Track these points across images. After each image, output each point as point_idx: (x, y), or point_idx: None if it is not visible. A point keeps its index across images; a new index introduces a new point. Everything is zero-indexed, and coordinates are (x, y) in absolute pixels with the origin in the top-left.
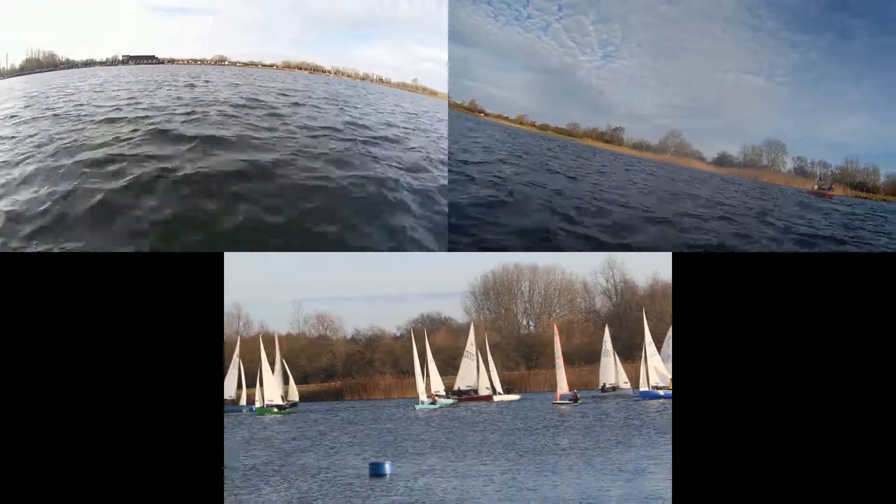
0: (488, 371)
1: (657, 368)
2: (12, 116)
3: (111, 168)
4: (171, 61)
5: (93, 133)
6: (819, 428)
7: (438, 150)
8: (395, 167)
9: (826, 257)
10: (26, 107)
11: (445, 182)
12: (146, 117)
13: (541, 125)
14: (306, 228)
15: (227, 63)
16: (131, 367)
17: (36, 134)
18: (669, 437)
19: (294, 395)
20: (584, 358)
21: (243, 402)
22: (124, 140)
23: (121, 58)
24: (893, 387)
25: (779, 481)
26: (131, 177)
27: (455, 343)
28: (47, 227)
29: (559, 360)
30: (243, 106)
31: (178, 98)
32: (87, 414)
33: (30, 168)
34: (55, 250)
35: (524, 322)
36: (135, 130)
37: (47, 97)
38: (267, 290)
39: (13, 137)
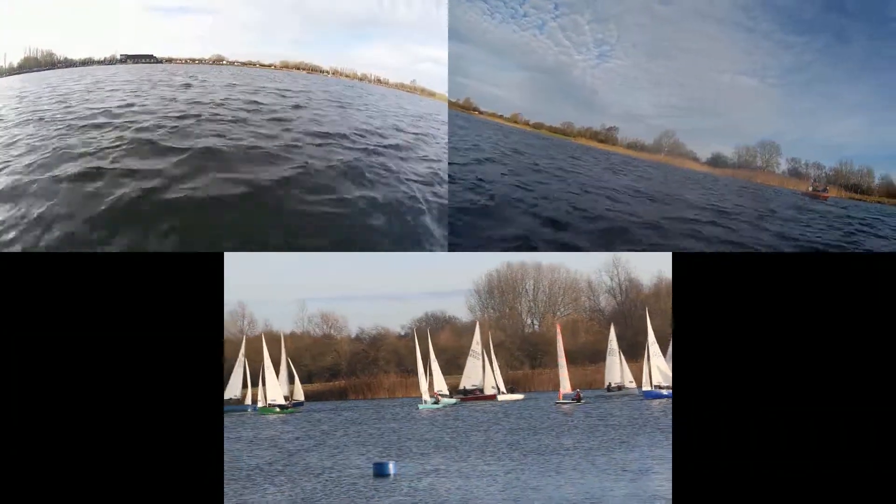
0: (492, 370)
1: (660, 368)
2: None
3: (88, 189)
4: (169, 61)
5: (73, 142)
6: (819, 428)
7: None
8: (414, 181)
9: (826, 257)
10: (15, 108)
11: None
12: (134, 122)
13: (535, 124)
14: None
15: (224, 63)
16: (132, 368)
17: (15, 141)
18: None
19: (300, 394)
20: (588, 357)
21: (248, 401)
22: (107, 148)
23: (119, 57)
24: (893, 387)
25: (779, 481)
26: (111, 198)
27: (459, 342)
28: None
29: (562, 360)
30: (241, 108)
31: (173, 100)
32: (88, 414)
33: (1, 181)
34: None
35: (528, 321)
36: (120, 138)
37: (39, 97)
38: (270, 289)
39: None
